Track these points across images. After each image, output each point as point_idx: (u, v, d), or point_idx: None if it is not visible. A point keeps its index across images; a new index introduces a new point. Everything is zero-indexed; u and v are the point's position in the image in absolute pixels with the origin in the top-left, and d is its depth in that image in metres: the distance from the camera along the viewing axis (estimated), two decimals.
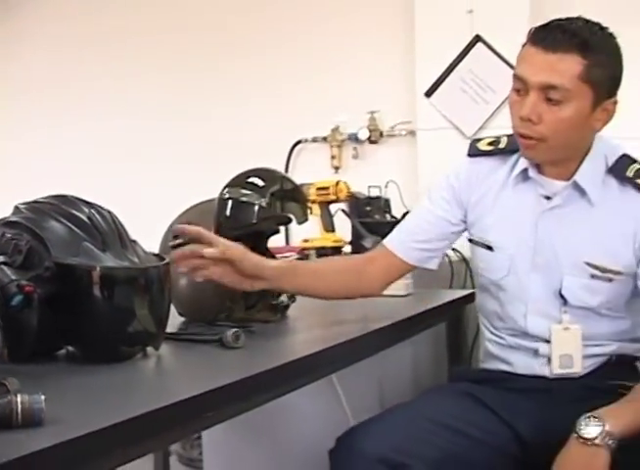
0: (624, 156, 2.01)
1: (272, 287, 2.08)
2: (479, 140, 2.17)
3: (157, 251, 2.10)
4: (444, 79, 4.04)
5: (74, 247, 1.60)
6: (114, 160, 5.09)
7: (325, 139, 4.57)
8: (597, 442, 1.71)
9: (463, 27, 3.97)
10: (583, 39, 1.82)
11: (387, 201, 3.42)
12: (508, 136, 2.08)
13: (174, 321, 2.00)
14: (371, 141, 4.44)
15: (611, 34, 1.91)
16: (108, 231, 1.64)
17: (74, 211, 1.65)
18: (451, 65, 4.00)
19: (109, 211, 1.70)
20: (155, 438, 1.28)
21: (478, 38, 3.91)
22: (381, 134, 4.43)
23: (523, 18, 3.80)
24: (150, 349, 1.67)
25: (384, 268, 2.18)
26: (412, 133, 4.30)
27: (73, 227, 1.62)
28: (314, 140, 4.61)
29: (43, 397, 1.17)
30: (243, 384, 1.48)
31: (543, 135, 1.87)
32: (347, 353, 1.94)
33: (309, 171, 4.38)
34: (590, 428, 1.73)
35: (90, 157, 5.15)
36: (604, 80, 1.86)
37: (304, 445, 2.75)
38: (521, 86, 1.88)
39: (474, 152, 2.15)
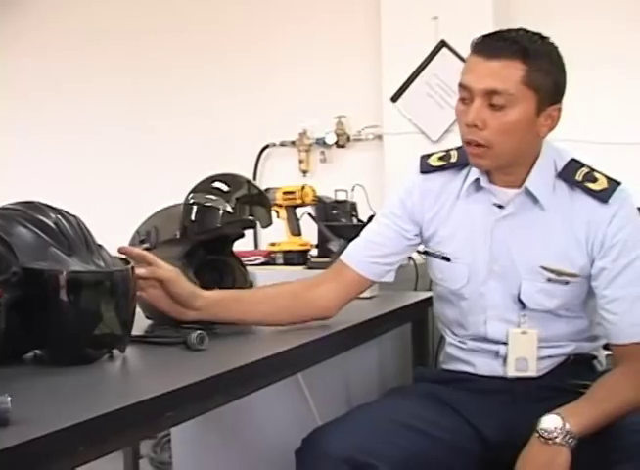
0: (573, 160, 2.04)
1: (205, 318, 1.99)
2: (428, 156, 2.17)
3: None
4: (410, 84, 4.10)
5: (41, 252, 1.61)
6: (81, 166, 5.09)
7: (293, 143, 4.61)
8: (558, 440, 1.75)
9: (428, 33, 4.03)
10: (524, 46, 1.86)
11: (353, 204, 3.43)
12: (458, 149, 2.09)
13: (141, 324, 2.01)
14: (338, 145, 4.49)
15: (551, 43, 1.94)
16: (74, 236, 1.65)
17: (41, 217, 1.65)
18: (417, 70, 4.05)
19: (75, 217, 1.70)
20: (118, 436, 1.30)
21: (443, 44, 3.97)
22: (348, 138, 4.48)
23: (487, 23, 3.86)
24: (116, 351, 1.68)
25: (340, 286, 2.14)
26: (379, 137, 4.36)
27: (40, 233, 1.63)
28: (282, 144, 4.65)
29: (9, 397, 1.18)
30: (204, 384, 1.49)
31: (489, 141, 1.90)
32: (311, 354, 1.95)
33: (278, 175, 4.43)
34: (551, 427, 1.76)
35: (56, 162, 5.15)
36: (546, 86, 1.89)
37: (273, 445, 2.75)
38: (466, 95, 1.91)
39: (426, 169, 2.14)
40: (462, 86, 1.93)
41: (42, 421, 1.20)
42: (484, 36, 1.93)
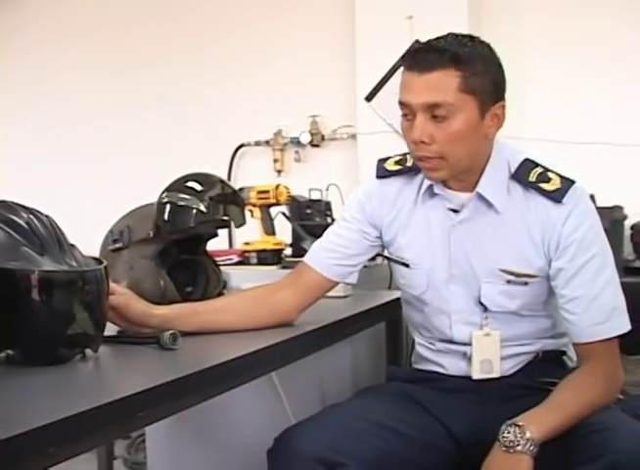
0: (526, 160, 2.02)
1: None
2: (385, 160, 2.16)
3: (97, 255, 2.12)
4: (384, 84, 4.10)
5: (13, 252, 1.60)
6: (55, 164, 5.07)
7: (267, 143, 4.61)
8: (519, 449, 1.76)
9: (403, 33, 4.03)
10: (454, 53, 1.84)
11: (327, 204, 3.45)
12: None
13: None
14: (313, 144, 4.49)
15: (482, 42, 1.93)
16: (46, 236, 1.64)
17: (13, 217, 1.65)
18: (391, 69, 4.05)
19: (47, 216, 1.70)
20: (90, 437, 1.29)
21: (417, 43, 3.96)
22: (322, 138, 4.48)
23: (461, 23, 3.87)
24: (88, 350, 1.68)
25: (301, 290, 2.14)
26: (353, 137, 4.36)
27: (12, 232, 1.62)
28: (257, 144, 4.65)
29: None
30: (177, 383, 1.49)
31: (440, 153, 1.88)
32: (285, 353, 1.95)
33: (252, 175, 4.43)
34: (512, 436, 1.77)
35: (29, 161, 5.14)
36: (485, 87, 1.87)
37: (247, 444, 2.73)
38: (407, 111, 1.90)
39: (382, 174, 2.14)
40: (402, 104, 1.91)
41: (13, 421, 1.20)
42: (414, 50, 1.92)
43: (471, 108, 1.87)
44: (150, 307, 1.99)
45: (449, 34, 1.92)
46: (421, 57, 1.87)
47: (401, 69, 1.95)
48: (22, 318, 1.58)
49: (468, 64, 1.84)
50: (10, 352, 1.67)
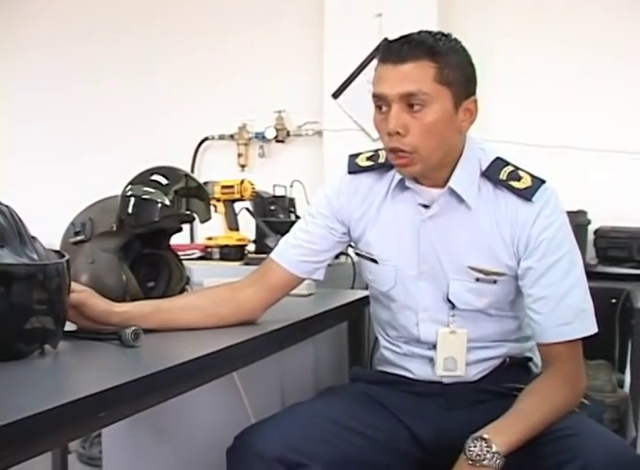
0: (498, 159, 2.02)
1: None
2: (357, 155, 2.15)
3: (58, 247, 2.08)
4: (352, 81, 4.10)
5: None
6: (15, 154, 5.03)
7: (232, 137, 4.60)
8: (485, 463, 1.76)
9: (371, 30, 4.03)
10: (430, 45, 1.86)
11: (291, 200, 3.44)
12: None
13: None
14: (278, 140, 4.49)
15: (455, 40, 1.94)
16: (6, 227, 1.61)
17: None
18: (359, 67, 4.05)
19: (7, 207, 1.65)
20: (48, 437, 1.25)
21: (386, 41, 3.95)
22: (287, 134, 4.48)
23: (431, 21, 3.88)
24: (47, 346, 1.64)
25: (265, 288, 2.12)
26: (319, 133, 4.36)
27: None
28: (221, 138, 4.64)
29: None
30: (138, 383, 1.46)
31: (414, 146, 1.88)
32: (246, 353, 1.93)
33: (216, 169, 4.41)
34: (478, 450, 1.77)
35: None
36: (458, 80, 1.88)
37: (206, 443, 2.76)
38: (382, 103, 1.89)
39: (354, 169, 2.13)
40: (377, 96, 1.90)
41: None
42: (389, 43, 1.92)
43: (445, 99, 1.87)
44: (111, 305, 1.96)
45: (422, 31, 1.93)
46: (395, 49, 1.87)
47: (369, 66, 1.95)
48: None
49: (442, 56, 1.86)
50: None
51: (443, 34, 1.93)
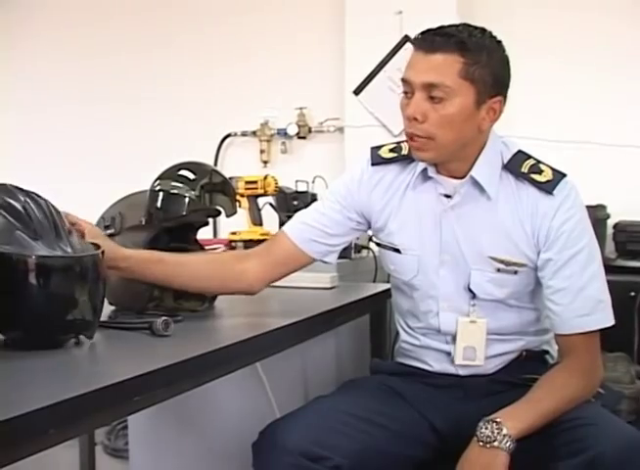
0: (519, 152, 2.05)
1: (129, 276, 2.03)
2: (379, 147, 2.18)
3: None
4: (373, 78, 4.12)
5: (7, 235, 1.61)
6: (54, 151, 5.08)
7: (254, 133, 4.62)
8: (496, 445, 1.79)
9: (392, 28, 4.05)
10: (461, 40, 1.87)
11: (313, 195, 3.46)
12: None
13: (104, 310, 2.02)
14: (299, 136, 4.50)
15: (493, 37, 1.95)
16: (42, 220, 1.64)
17: (10, 200, 1.65)
18: (380, 64, 4.08)
19: (45, 200, 1.69)
20: (85, 420, 1.31)
21: (406, 38, 3.99)
22: (309, 130, 4.50)
23: (450, 18, 3.86)
24: (82, 336, 1.68)
25: (271, 262, 2.15)
26: (340, 130, 4.38)
27: (7, 216, 1.63)
28: (244, 134, 4.66)
29: None
30: (170, 369, 1.51)
31: (430, 133, 1.91)
32: (272, 343, 1.96)
33: (238, 165, 4.44)
34: (489, 432, 1.81)
35: (29, 147, 5.13)
36: (485, 79, 1.89)
37: (230, 435, 2.77)
38: (408, 89, 1.93)
39: (377, 161, 2.15)
40: (404, 81, 1.94)
41: (14, 403, 1.20)
42: (425, 31, 1.94)
43: (467, 95, 1.89)
44: (118, 248, 2.00)
45: (462, 24, 1.95)
46: (429, 38, 1.90)
47: (390, 63, 1.98)
48: (19, 302, 1.58)
49: (472, 52, 1.87)
50: (1, 336, 1.67)
51: (482, 30, 1.94)
